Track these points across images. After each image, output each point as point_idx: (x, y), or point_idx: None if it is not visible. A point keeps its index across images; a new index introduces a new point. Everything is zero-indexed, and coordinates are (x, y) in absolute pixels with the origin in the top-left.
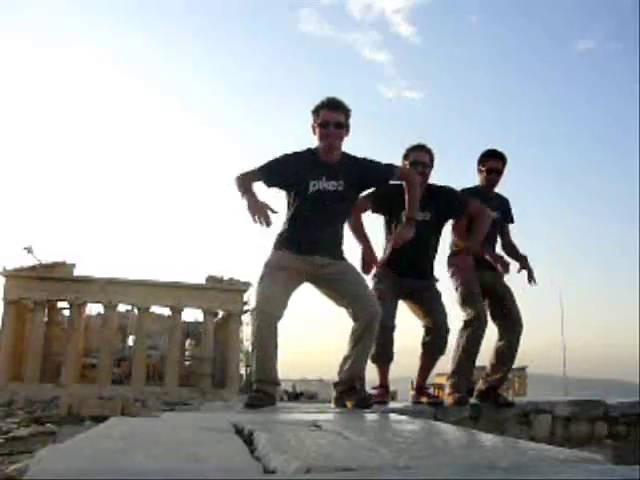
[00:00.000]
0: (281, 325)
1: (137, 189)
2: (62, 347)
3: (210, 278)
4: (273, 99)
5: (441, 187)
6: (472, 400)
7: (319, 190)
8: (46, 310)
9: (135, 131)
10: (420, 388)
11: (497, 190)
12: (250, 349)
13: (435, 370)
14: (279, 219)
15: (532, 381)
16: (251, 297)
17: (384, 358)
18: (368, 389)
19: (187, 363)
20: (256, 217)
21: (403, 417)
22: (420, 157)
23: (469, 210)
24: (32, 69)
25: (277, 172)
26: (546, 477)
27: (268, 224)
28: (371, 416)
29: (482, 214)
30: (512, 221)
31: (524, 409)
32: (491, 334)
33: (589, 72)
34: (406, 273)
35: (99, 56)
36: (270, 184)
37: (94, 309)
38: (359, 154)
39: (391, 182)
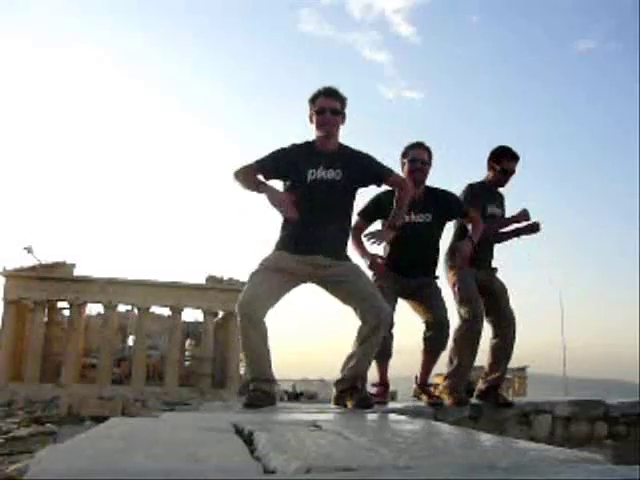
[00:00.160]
0: (281, 325)
1: (137, 189)
2: (62, 347)
3: (210, 278)
4: (273, 99)
5: (442, 191)
6: (472, 400)
7: (317, 179)
8: (46, 310)
9: (135, 131)
10: (423, 384)
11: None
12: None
13: (435, 370)
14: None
15: (532, 381)
16: None
17: (383, 355)
18: (368, 387)
19: (187, 363)
20: (283, 209)
21: (403, 417)
22: (419, 154)
23: (468, 219)
24: (32, 69)
25: (275, 164)
26: (546, 477)
27: (294, 215)
28: (371, 416)
29: (480, 227)
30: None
31: (524, 409)
32: (488, 334)
33: (589, 72)
34: (406, 273)
35: (99, 56)
36: (269, 176)
37: (94, 309)
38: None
39: (385, 188)
